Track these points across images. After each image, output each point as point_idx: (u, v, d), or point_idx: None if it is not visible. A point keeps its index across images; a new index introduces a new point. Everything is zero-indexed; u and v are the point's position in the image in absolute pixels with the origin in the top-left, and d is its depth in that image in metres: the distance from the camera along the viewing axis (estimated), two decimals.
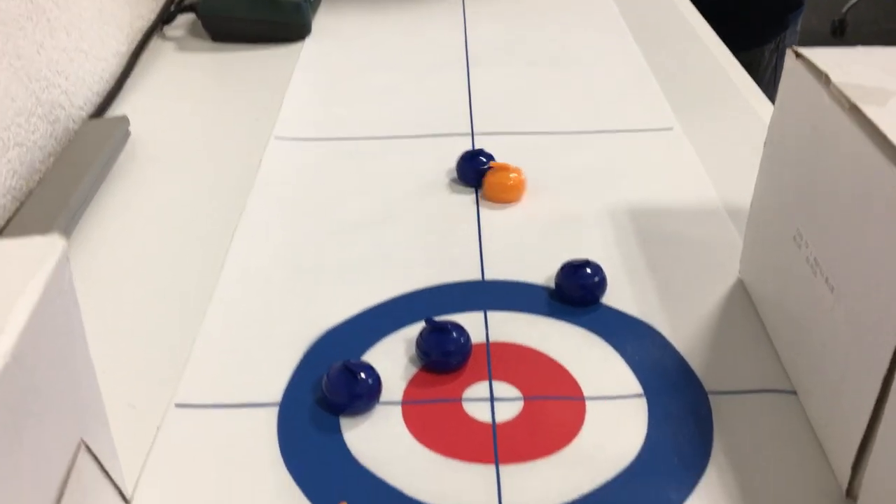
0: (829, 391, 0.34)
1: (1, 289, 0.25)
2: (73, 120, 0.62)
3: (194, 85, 0.69)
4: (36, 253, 0.26)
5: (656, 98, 0.63)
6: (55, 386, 0.26)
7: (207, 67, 0.72)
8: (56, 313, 0.26)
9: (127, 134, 0.60)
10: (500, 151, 0.57)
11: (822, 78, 0.35)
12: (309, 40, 0.75)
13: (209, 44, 0.75)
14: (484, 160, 0.53)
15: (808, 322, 0.36)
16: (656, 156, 0.56)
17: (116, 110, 0.65)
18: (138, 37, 0.74)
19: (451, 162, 0.56)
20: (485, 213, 0.51)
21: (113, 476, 0.32)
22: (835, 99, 0.33)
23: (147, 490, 0.34)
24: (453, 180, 0.54)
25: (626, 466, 0.34)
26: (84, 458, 0.28)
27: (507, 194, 0.51)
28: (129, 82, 0.68)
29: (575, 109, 0.62)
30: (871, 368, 0.30)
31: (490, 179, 0.52)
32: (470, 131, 0.60)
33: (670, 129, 0.59)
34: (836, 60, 0.36)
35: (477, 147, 0.57)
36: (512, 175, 0.52)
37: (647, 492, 0.33)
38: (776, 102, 0.39)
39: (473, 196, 0.52)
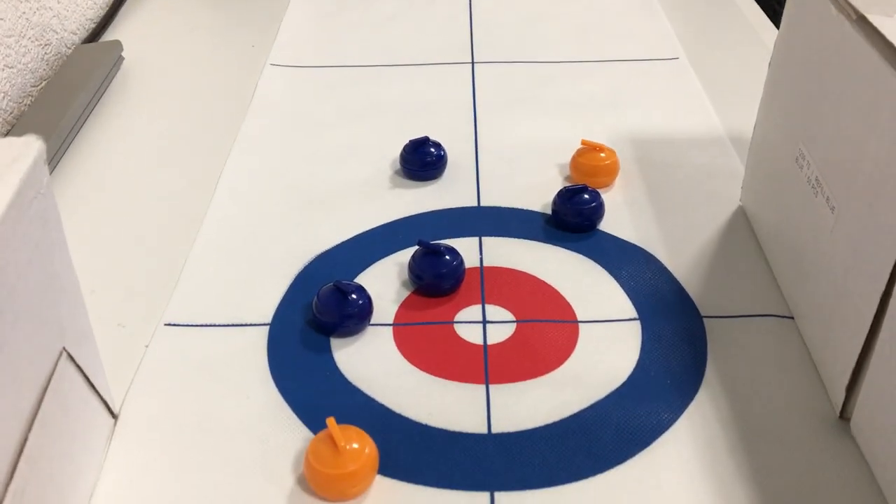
0: (827, 313, 0.33)
1: None
2: (66, 45, 0.60)
3: (190, 10, 0.67)
4: (11, 153, 0.26)
5: (662, 28, 0.62)
6: (33, 289, 0.25)
7: None
8: (32, 215, 0.25)
9: (120, 59, 0.59)
10: (501, 80, 0.56)
11: None
12: None
13: None
14: (433, 151, 0.46)
15: (807, 244, 0.35)
16: (660, 85, 0.55)
17: (110, 37, 0.63)
18: None
19: (450, 91, 0.55)
20: (482, 135, 0.50)
21: (99, 390, 0.31)
22: (841, 10, 0.32)
23: (134, 406, 0.33)
24: (451, 108, 0.53)
25: (617, 387, 0.34)
26: (66, 366, 0.28)
27: (599, 177, 0.45)
28: (124, 8, 0.67)
29: (579, 39, 0.61)
30: (869, 287, 0.29)
31: (579, 161, 0.45)
32: (470, 60, 0.58)
33: (676, 58, 0.58)
34: None
35: (477, 77, 0.56)
36: (602, 155, 0.45)
37: (638, 412, 0.32)
38: (782, 20, 0.38)
39: (471, 120, 0.51)
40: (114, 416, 0.33)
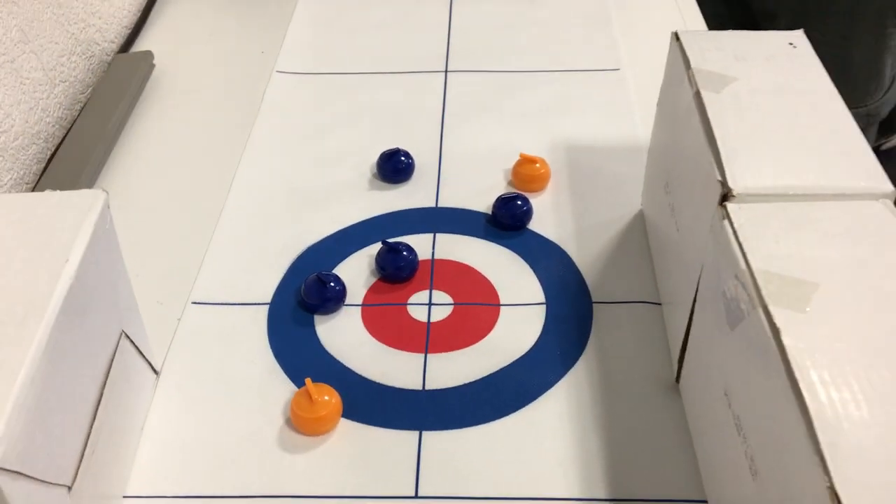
0: (673, 302, 0.45)
1: (64, 229, 0.36)
2: (106, 53, 0.72)
3: (208, 17, 0.78)
4: (86, 202, 0.38)
5: (611, 39, 0.72)
6: (102, 293, 0.38)
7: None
8: (102, 245, 0.38)
9: (151, 67, 0.70)
10: (469, 89, 0.67)
11: (686, 62, 0.44)
12: None
13: None
14: (403, 159, 0.57)
15: (667, 249, 0.46)
16: (600, 96, 0.65)
17: (143, 41, 0.74)
18: None
19: (425, 99, 0.66)
20: (447, 142, 0.61)
21: (146, 355, 0.44)
22: (689, 82, 0.43)
23: (172, 366, 0.46)
24: (424, 117, 0.64)
25: (520, 356, 0.46)
26: (124, 342, 0.41)
27: (534, 184, 0.56)
28: (153, 13, 0.78)
29: (540, 49, 0.71)
30: (688, 287, 0.41)
31: (518, 170, 0.56)
32: (444, 69, 0.69)
33: (617, 69, 0.68)
34: (704, 45, 0.45)
35: (448, 86, 0.67)
36: (536, 165, 0.56)
37: (532, 374, 0.45)
38: (664, 73, 0.48)
39: (439, 129, 0.62)
40: (156, 373, 0.46)
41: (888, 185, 0.36)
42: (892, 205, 0.36)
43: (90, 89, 0.68)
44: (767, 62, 0.44)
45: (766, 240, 0.34)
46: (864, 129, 1.02)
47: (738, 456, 0.34)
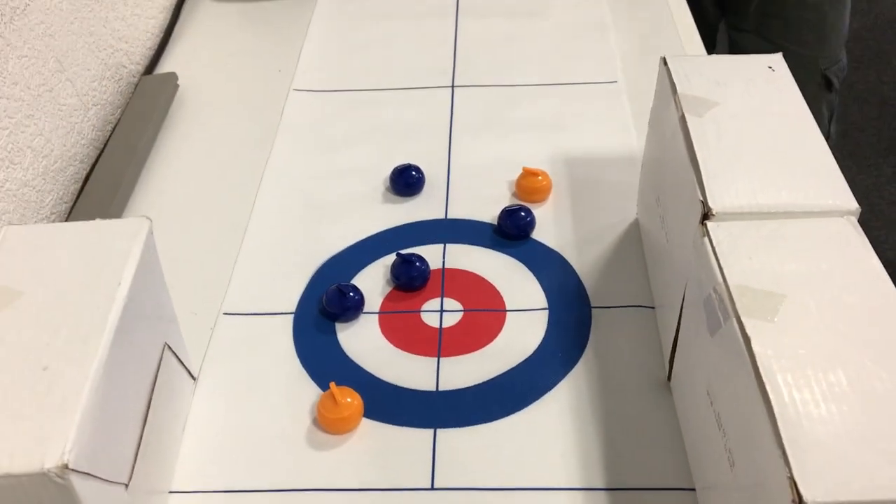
0: (665, 305, 0.49)
1: (115, 255, 0.41)
2: (133, 74, 0.76)
3: (227, 37, 0.82)
4: (133, 229, 0.42)
5: (609, 51, 0.75)
6: (149, 311, 0.42)
7: (237, 16, 0.85)
8: (147, 267, 0.42)
9: (176, 87, 0.75)
10: (475, 103, 0.70)
11: (672, 86, 0.48)
12: None
13: None
14: (414, 174, 0.61)
15: (659, 257, 0.50)
16: (598, 108, 0.69)
17: (166, 63, 0.79)
18: None
19: (433, 115, 0.70)
20: (454, 156, 0.65)
21: (185, 363, 0.49)
22: (676, 106, 0.47)
23: (207, 372, 0.51)
24: (432, 132, 0.68)
25: (525, 359, 0.50)
26: (167, 353, 0.45)
27: (536, 195, 0.60)
28: (174, 36, 0.82)
29: (539, 62, 0.75)
30: (676, 296, 0.45)
31: (521, 182, 0.60)
32: (451, 84, 0.73)
33: (615, 82, 0.72)
34: (689, 70, 0.49)
35: (455, 100, 0.71)
36: (538, 178, 0.60)
37: (535, 375, 0.49)
38: (654, 94, 0.52)
39: (447, 143, 0.66)
40: (194, 378, 0.50)
41: (853, 203, 0.40)
42: (855, 221, 0.40)
43: (120, 111, 0.73)
44: (747, 86, 0.48)
45: (740, 256, 0.38)
46: (829, 85, 1.07)
47: (719, 448, 0.38)
